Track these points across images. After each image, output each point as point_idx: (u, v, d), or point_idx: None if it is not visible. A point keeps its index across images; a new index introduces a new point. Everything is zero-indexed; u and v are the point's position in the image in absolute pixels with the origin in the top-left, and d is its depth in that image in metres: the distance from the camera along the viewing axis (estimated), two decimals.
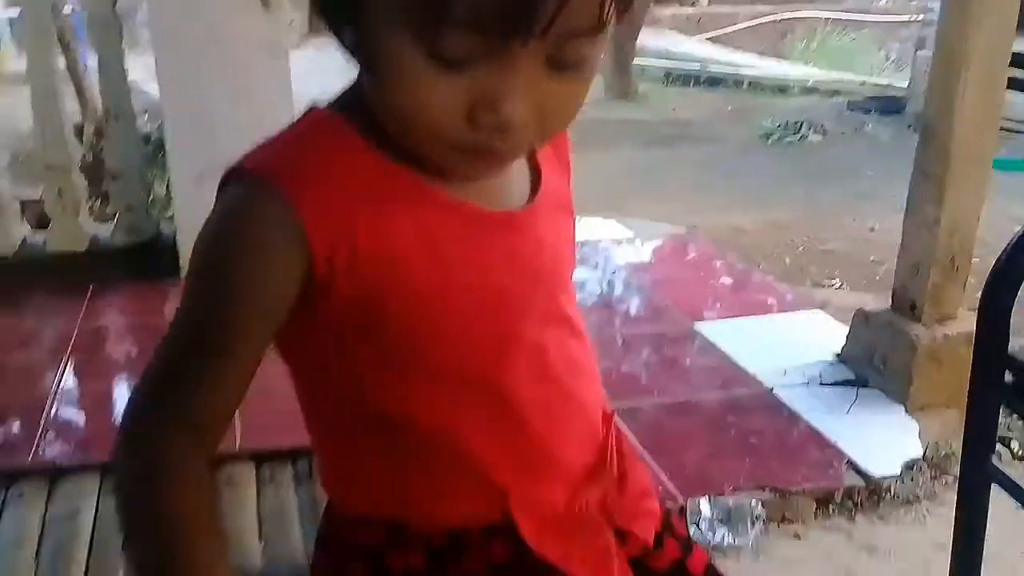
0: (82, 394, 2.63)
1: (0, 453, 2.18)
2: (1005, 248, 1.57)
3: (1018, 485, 1.57)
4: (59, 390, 2.60)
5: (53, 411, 2.44)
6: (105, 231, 3.64)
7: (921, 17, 8.40)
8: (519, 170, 0.89)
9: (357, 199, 0.78)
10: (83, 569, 1.18)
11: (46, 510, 1.32)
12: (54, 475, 1.40)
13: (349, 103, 0.82)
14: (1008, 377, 1.56)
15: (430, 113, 0.74)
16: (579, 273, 3.65)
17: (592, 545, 0.92)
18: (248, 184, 0.78)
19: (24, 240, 3.56)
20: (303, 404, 0.93)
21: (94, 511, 1.27)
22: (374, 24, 0.72)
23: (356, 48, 0.76)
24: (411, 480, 0.89)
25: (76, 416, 2.48)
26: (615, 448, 0.99)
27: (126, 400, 0.79)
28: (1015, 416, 2.42)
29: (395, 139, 0.79)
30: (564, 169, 0.96)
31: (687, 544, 1.02)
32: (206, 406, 0.77)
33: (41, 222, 3.66)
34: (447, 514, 0.89)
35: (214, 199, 0.80)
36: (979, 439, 1.61)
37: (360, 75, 0.80)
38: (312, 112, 0.83)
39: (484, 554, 0.89)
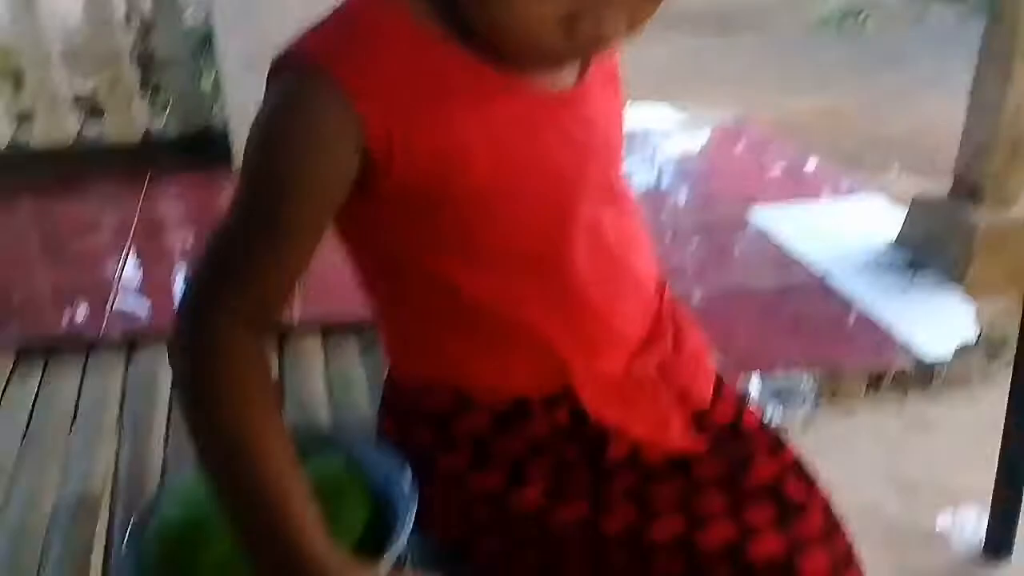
0: (146, 276, 2.71)
1: (72, 328, 2.28)
2: None
3: None
4: (123, 273, 2.68)
5: (119, 291, 2.53)
6: (158, 122, 3.67)
7: None
8: None
9: (413, 84, 0.77)
10: (163, 432, 1.23)
11: (125, 379, 1.37)
12: (130, 345, 1.45)
13: None
14: None
15: (528, 20, 0.73)
16: (630, 161, 3.64)
17: (651, 408, 0.94)
18: (300, 72, 0.77)
19: (80, 131, 3.61)
20: (363, 282, 0.95)
21: (170, 380, 1.32)
22: None
23: None
24: (474, 353, 0.91)
25: (142, 296, 2.57)
26: (670, 315, 1.01)
27: (182, 290, 0.79)
28: None
29: (476, 30, 0.77)
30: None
31: (740, 401, 1.04)
32: (265, 297, 0.78)
33: (95, 114, 3.70)
34: (510, 384, 0.92)
35: (264, 87, 0.78)
36: None
37: None
38: None
39: (547, 420, 0.92)
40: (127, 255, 2.82)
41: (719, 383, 1.04)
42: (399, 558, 0.85)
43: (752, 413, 1.03)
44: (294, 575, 0.65)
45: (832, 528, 0.93)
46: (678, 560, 0.87)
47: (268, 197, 0.77)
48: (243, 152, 0.79)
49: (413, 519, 0.88)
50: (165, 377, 1.35)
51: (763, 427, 1.03)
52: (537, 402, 0.92)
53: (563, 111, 0.87)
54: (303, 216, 0.78)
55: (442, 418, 0.94)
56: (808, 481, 0.96)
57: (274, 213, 0.77)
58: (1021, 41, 2.45)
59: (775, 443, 1.01)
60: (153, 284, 2.65)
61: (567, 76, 0.88)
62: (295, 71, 0.78)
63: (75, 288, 2.56)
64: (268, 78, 0.80)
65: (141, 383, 1.37)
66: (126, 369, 1.40)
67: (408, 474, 0.92)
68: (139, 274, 2.73)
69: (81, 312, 2.44)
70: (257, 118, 0.78)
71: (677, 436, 0.94)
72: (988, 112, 2.55)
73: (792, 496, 0.93)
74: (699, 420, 0.97)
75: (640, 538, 0.88)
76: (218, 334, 0.76)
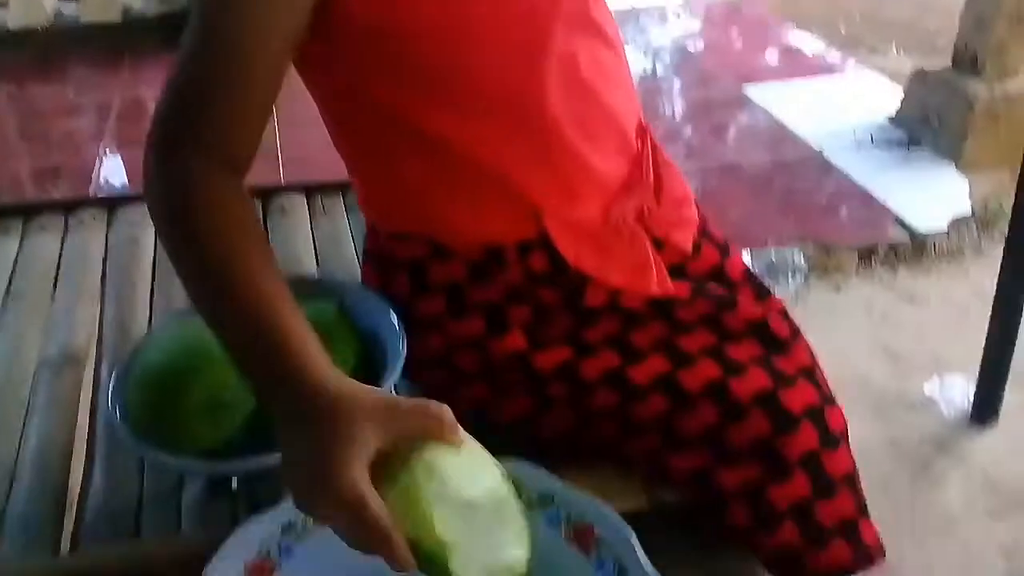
0: (126, 154, 2.66)
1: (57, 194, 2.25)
2: None
3: None
4: (105, 153, 2.63)
5: (100, 167, 2.49)
6: (138, 1, 3.56)
7: None
8: None
9: None
10: (148, 292, 1.22)
11: (107, 238, 1.35)
12: (111, 205, 1.42)
13: None
14: None
15: None
16: (627, 38, 3.54)
17: (628, 255, 0.92)
18: None
19: (58, 11, 3.50)
20: (333, 131, 0.92)
21: (153, 238, 1.30)
22: None
23: None
24: (445, 198, 0.88)
25: (123, 172, 2.53)
26: (651, 159, 0.97)
27: (149, 132, 0.76)
28: None
29: None
30: None
31: (724, 248, 1.02)
32: (233, 132, 0.76)
33: None
34: (482, 230, 0.90)
35: None
36: None
37: None
38: None
39: (522, 266, 0.90)
40: (108, 137, 2.76)
41: (704, 228, 1.02)
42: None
43: (736, 259, 1.02)
44: (296, 397, 0.63)
45: (815, 365, 0.93)
46: (662, 399, 0.86)
47: (228, 31, 0.74)
48: None
49: (404, 354, 0.88)
50: (147, 237, 1.33)
51: (748, 275, 1.01)
52: (511, 248, 0.90)
53: None
54: (266, 49, 0.75)
55: (418, 266, 0.93)
56: (792, 323, 0.95)
57: (237, 46, 0.74)
58: None
59: (759, 288, 0.99)
60: (134, 161, 2.61)
61: None
62: None
63: (55, 166, 2.52)
64: None
65: (123, 243, 1.34)
66: (108, 229, 1.38)
67: (395, 316, 0.92)
68: (119, 153, 2.69)
69: (62, 186, 2.40)
70: None
71: (655, 283, 0.91)
72: None
73: (777, 333, 0.92)
74: (680, 267, 0.96)
75: (624, 379, 0.87)
76: (192, 171, 0.74)
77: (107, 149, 2.69)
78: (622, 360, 0.88)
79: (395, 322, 0.91)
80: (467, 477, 0.61)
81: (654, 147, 0.99)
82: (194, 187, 0.74)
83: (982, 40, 2.52)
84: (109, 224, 1.39)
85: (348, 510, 0.56)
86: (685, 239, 0.98)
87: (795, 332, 0.94)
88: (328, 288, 0.99)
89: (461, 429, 0.62)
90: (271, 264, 0.72)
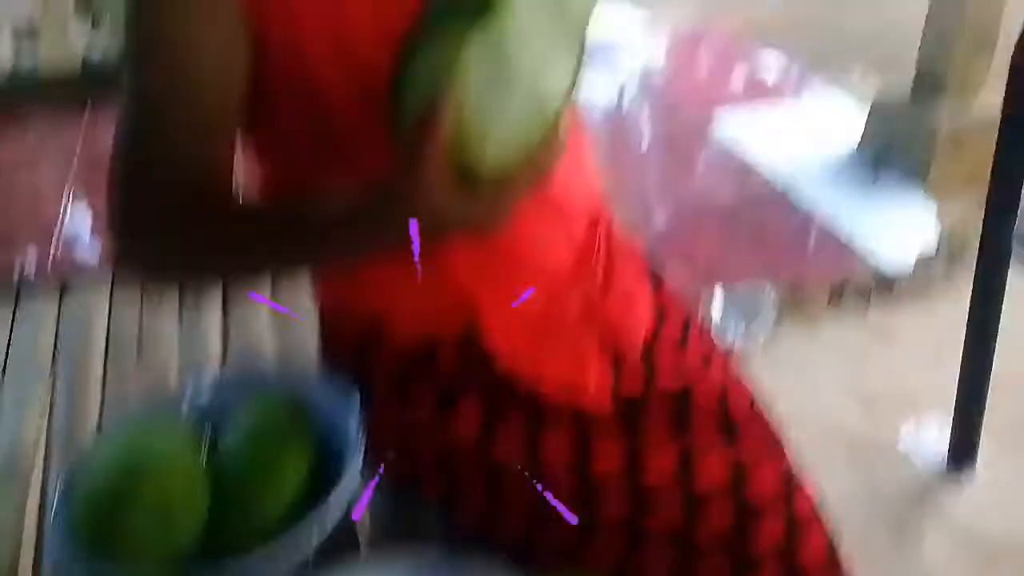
0: (89, 210, 2.62)
1: (6, 274, 2.20)
2: None
3: None
4: (67, 210, 2.59)
5: (62, 230, 2.45)
6: (97, 48, 3.52)
7: None
8: None
9: None
10: (100, 378, 1.18)
11: (58, 325, 1.32)
12: (63, 290, 1.39)
13: None
14: None
15: None
16: (592, 71, 3.53)
17: (567, 351, 0.86)
18: None
19: (16, 60, 3.46)
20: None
21: (106, 322, 1.27)
22: None
23: None
24: (382, 283, 0.83)
25: (85, 228, 2.49)
26: (604, 247, 0.92)
27: (112, 183, 0.74)
28: None
29: None
30: None
31: (686, 329, 0.96)
32: (194, 162, 0.73)
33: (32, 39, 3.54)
34: (419, 320, 0.85)
35: None
36: (999, 213, 1.57)
37: None
38: None
39: (459, 360, 0.85)
40: (70, 192, 2.72)
41: (665, 310, 0.97)
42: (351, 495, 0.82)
43: (695, 339, 0.97)
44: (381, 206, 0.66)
45: (779, 442, 0.90)
46: (624, 500, 0.83)
47: (159, 52, 0.71)
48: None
49: (360, 454, 0.83)
50: (99, 321, 1.30)
51: (705, 343, 0.97)
52: (448, 343, 0.85)
53: None
54: (194, 58, 0.71)
55: (360, 350, 0.89)
56: (751, 396, 0.92)
57: (171, 65, 0.71)
58: None
59: (718, 357, 0.96)
60: (96, 217, 2.57)
61: None
62: None
63: (8, 231, 2.48)
64: None
65: (75, 327, 1.31)
66: (59, 313, 1.35)
67: (353, 410, 0.86)
68: (81, 206, 2.64)
69: (22, 253, 2.36)
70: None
71: (594, 384, 0.86)
72: (950, 5, 2.49)
73: (735, 416, 0.89)
74: (633, 358, 0.90)
75: (584, 471, 0.84)
76: (158, 212, 0.73)
77: (68, 206, 2.65)
78: (578, 454, 0.85)
79: (353, 422, 0.86)
80: None
81: (609, 233, 0.95)
82: (163, 224, 0.73)
83: (944, 60, 2.53)
84: (61, 306, 1.36)
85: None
86: (635, 333, 0.92)
87: (755, 407, 0.92)
88: (282, 380, 0.96)
89: None
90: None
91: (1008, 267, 1.59)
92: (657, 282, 0.99)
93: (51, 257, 2.31)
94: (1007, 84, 1.48)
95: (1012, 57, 1.47)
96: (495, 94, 0.59)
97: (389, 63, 0.66)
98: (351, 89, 0.73)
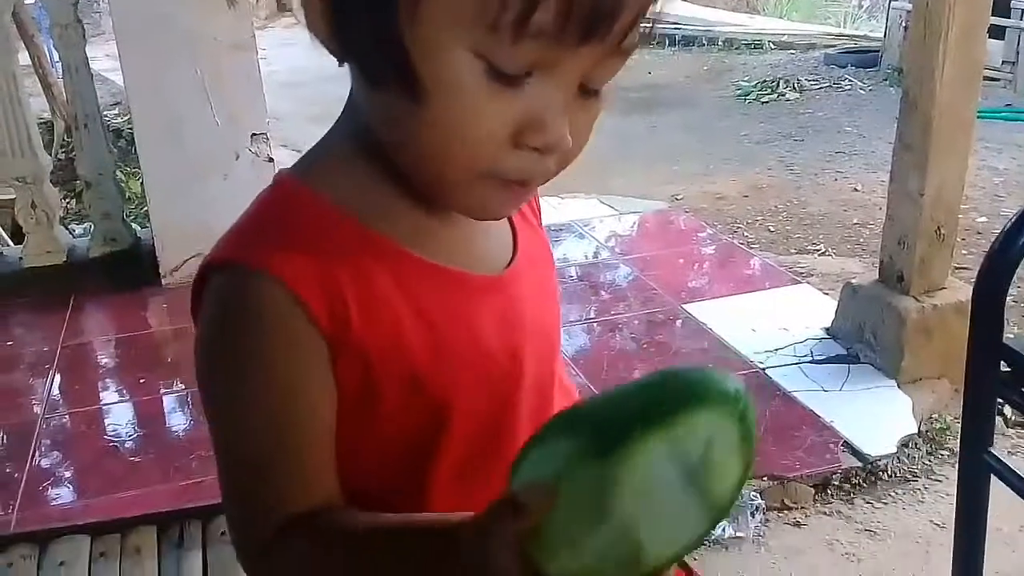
0: (67, 437, 2.58)
1: None
2: (995, 240, 1.56)
3: (1018, 475, 1.57)
4: (45, 424, 2.57)
5: (36, 459, 2.41)
6: (82, 242, 3.58)
7: None
8: (496, 232, 0.86)
9: (337, 260, 0.75)
10: None
11: None
12: (43, 540, 1.36)
13: (317, 165, 0.79)
14: (1003, 367, 1.56)
15: (477, 134, 0.69)
16: (563, 257, 3.65)
17: None
18: (230, 274, 0.75)
19: (0, 253, 3.50)
20: None
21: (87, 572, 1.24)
22: (420, 42, 0.66)
23: (379, 74, 0.70)
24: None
25: (61, 467, 2.45)
26: None
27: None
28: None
29: (409, 172, 0.74)
30: (536, 217, 0.94)
31: None
32: (310, 496, 0.74)
33: (16, 231, 3.60)
34: None
35: (191, 299, 0.76)
36: (977, 431, 1.61)
37: (358, 112, 0.75)
38: (280, 184, 0.79)
39: None
40: (48, 395, 2.70)
41: None
42: None
43: None
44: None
45: None
46: None
47: (261, 405, 0.73)
48: (201, 363, 0.75)
49: None
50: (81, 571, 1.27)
51: None
52: None
53: (496, 296, 0.83)
54: (305, 407, 0.74)
55: None
56: None
57: (278, 417, 0.73)
58: (935, 132, 2.52)
59: None
60: (74, 447, 2.52)
61: (497, 260, 0.85)
62: (224, 274, 0.74)
63: None
64: (196, 282, 0.77)
65: None
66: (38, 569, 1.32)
67: None
68: (61, 429, 2.61)
69: None
70: (205, 331, 0.74)
71: None
72: (908, 201, 2.61)
73: None
74: None
75: None
76: (274, 555, 0.73)
77: (48, 417, 2.63)
78: None
79: None
80: None
81: None
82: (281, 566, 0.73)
83: (905, 258, 2.63)
84: (40, 561, 1.33)
85: None
86: None
87: None
88: None
89: None
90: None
91: (989, 484, 1.60)
92: None
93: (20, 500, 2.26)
94: (970, 319, 1.54)
95: (973, 291, 1.55)
96: (582, 520, 0.58)
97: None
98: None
